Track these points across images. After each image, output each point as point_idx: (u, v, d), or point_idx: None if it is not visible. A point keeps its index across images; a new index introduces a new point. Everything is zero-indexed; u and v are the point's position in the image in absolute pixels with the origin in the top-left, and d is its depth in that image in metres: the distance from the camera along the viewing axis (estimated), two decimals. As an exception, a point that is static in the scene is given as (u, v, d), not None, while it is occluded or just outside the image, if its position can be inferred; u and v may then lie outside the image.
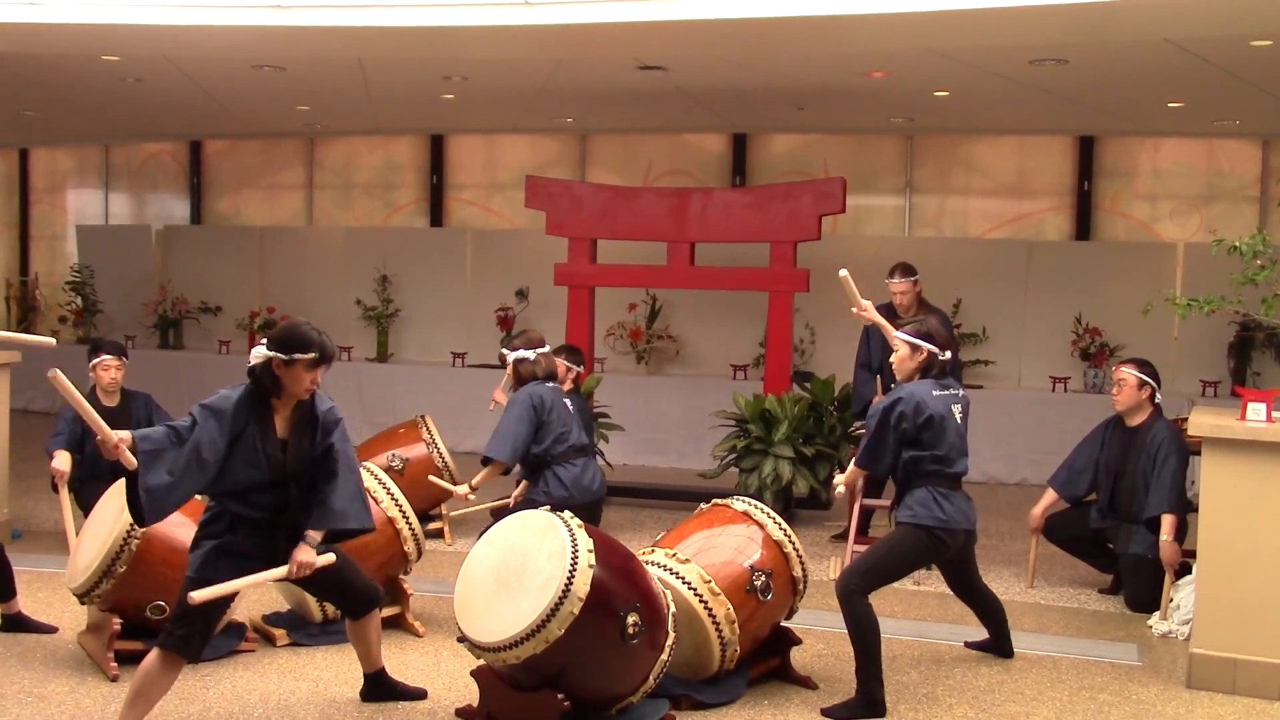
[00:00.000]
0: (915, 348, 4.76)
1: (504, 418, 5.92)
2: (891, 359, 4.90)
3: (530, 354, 5.98)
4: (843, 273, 5.15)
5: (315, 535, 4.08)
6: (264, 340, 4.04)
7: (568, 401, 6.04)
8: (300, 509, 4.09)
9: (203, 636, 4.00)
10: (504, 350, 6.12)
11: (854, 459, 4.95)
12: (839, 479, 5.08)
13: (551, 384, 6.02)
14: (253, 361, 4.02)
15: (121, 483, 4.89)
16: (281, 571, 4.03)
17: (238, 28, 6.94)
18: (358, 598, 4.33)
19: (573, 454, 5.92)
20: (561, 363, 6.88)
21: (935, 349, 4.75)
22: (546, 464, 5.87)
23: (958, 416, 4.74)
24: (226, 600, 4.11)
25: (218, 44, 7.38)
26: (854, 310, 5.41)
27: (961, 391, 4.85)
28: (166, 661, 3.93)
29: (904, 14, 6.16)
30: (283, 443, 4.04)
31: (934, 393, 4.69)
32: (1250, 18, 6.05)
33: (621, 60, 7.73)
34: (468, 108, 10.02)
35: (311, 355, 3.98)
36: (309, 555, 4.04)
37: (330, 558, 4.12)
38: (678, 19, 6.47)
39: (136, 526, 4.65)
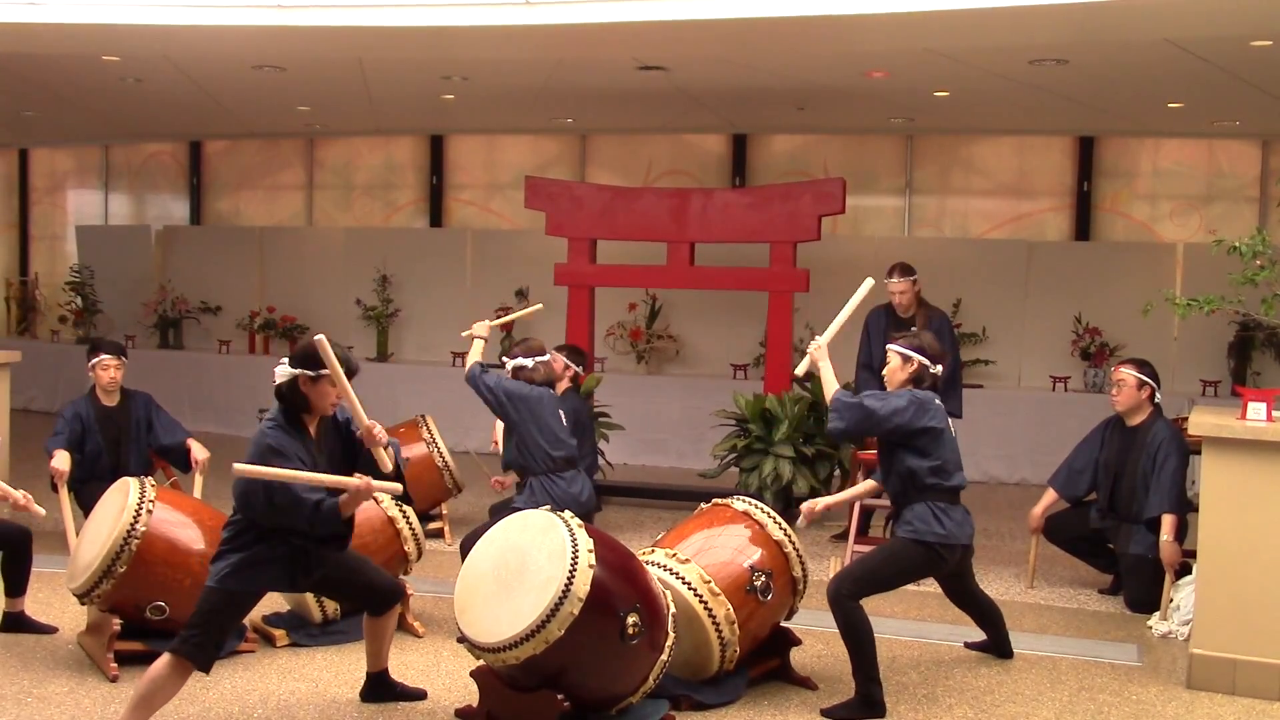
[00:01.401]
0: (906, 359, 4.76)
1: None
2: (884, 370, 4.89)
3: (529, 362, 5.87)
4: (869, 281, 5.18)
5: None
6: (286, 360, 4.07)
7: (560, 411, 5.98)
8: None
9: (216, 645, 4.00)
10: (504, 357, 6.08)
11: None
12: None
13: (550, 393, 5.96)
14: (278, 381, 4.06)
15: (122, 482, 4.93)
16: (352, 483, 3.96)
17: (238, 28, 6.94)
18: (382, 593, 4.36)
19: (562, 465, 5.83)
20: (561, 359, 6.85)
21: (927, 361, 4.74)
22: (532, 473, 5.80)
23: (951, 430, 4.74)
24: (243, 609, 4.11)
25: (218, 44, 7.38)
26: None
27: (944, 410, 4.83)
28: (177, 668, 3.94)
29: (904, 14, 6.16)
30: (314, 460, 4.11)
31: (935, 401, 4.69)
32: (1250, 18, 6.05)
33: (621, 60, 7.73)
34: (468, 108, 10.02)
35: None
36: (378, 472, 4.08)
37: (397, 487, 4.11)
38: (678, 19, 6.47)
39: (138, 527, 4.66)
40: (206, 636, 3.94)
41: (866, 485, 5.24)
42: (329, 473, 4.06)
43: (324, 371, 4.01)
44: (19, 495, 5.12)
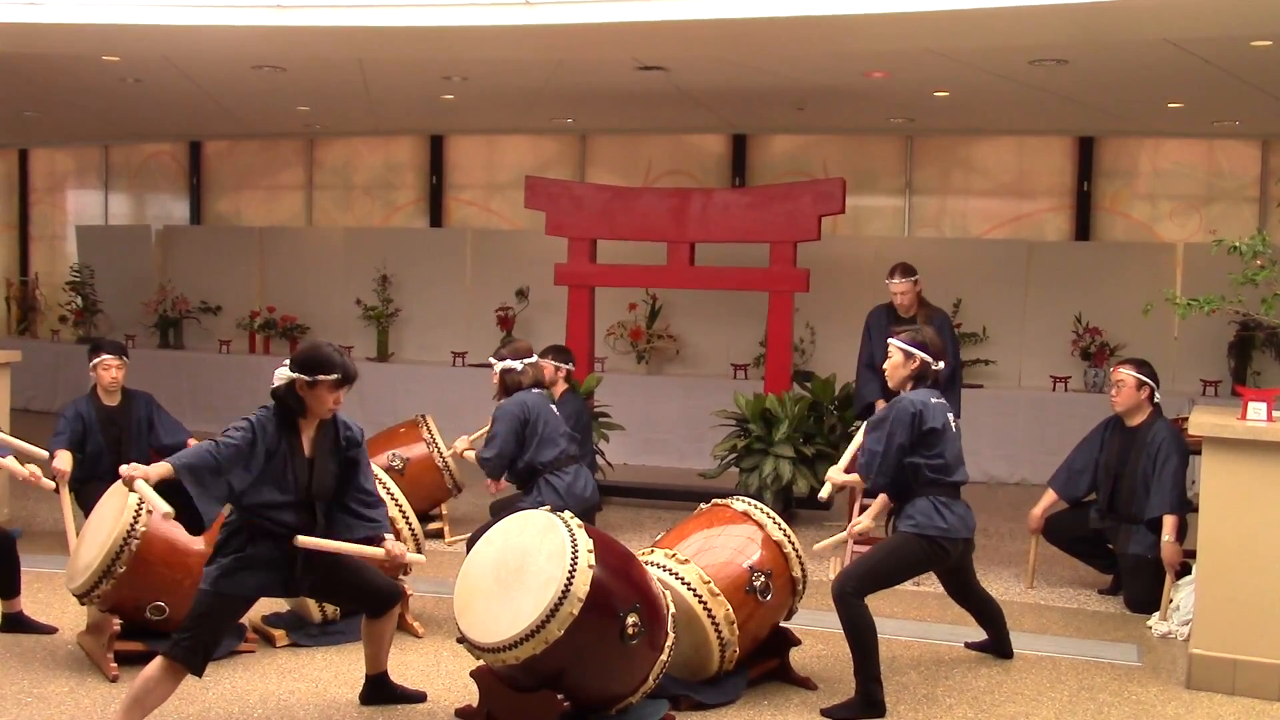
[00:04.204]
0: (908, 355, 4.76)
1: (495, 430, 5.78)
2: (885, 365, 4.89)
3: (517, 364, 5.85)
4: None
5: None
6: (286, 362, 4.08)
7: (554, 409, 5.97)
8: (326, 529, 4.15)
9: (208, 648, 3.99)
10: (491, 359, 6.03)
11: (856, 470, 4.93)
12: (833, 476, 5.07)
13: (539, 390, 5.95)
14: (276, 383, 4.07)
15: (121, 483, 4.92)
16: (378, 553, 4.24)
17: (238, 28, 6.94)
18: (381, 595, 4.36)
19: (565, 462, 5.78)
20: (549, 363, 6.81)
21: (929, 358, 4.75)
22: (538, 472, 5.79)
23: (953, 426, 4.74)
24: (236, 613, 4.11)
25: (218, 44, 7.38)
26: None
27: (948, 405, 4.84)
28: (169, 671, 3.93)
29: (904, 14, 6.16)
30: (310, 462, 4.10)
31: (931, 400, 4.69)
32: (1250, 18, 6.04)
33: (621, 60, 7.73)
34: (468, 108, 10.02)
35: (335, 376, 4.05)
36: (401, 548, 4.32)
37: (421, 558, 4.64)
38: (678, 19, 6.47)
39: (138, 527, 4.66)
40: (198, 640, 3.94)
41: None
42: (319, 481, 4.12)
43: (321, 377, 4.02)
44: (26, 471, 5.26)
